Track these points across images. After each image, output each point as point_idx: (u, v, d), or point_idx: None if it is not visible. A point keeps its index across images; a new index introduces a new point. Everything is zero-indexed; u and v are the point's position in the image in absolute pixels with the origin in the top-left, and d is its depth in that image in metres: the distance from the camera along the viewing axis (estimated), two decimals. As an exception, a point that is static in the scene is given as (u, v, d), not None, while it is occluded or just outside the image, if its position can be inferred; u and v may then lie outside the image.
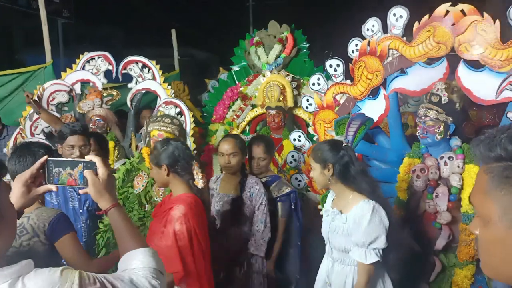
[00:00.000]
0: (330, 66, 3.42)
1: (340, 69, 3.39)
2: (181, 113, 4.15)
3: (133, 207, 3.18)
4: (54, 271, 1.09)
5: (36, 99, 4.17)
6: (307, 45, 4.56)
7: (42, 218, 2.00)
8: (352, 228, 2.27)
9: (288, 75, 4.40)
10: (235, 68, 4.87)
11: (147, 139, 3.38)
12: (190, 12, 13.99)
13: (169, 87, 4.35)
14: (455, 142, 2.74)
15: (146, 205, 3.19)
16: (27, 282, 1.05)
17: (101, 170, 1.39)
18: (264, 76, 4.49)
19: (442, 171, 2.72)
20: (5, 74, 5.07)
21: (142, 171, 3.26)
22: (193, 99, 6.39)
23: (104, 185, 1.38)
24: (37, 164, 1.44)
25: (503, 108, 2.72)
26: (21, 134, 4.33)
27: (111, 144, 4.00)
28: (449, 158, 2.70)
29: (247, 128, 4.80)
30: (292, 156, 4.10)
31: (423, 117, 2.74)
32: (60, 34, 11.08)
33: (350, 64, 3.28)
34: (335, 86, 3.42)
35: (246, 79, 4.69)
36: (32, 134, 4.29)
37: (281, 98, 4.28)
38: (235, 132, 4.63)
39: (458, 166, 2.65)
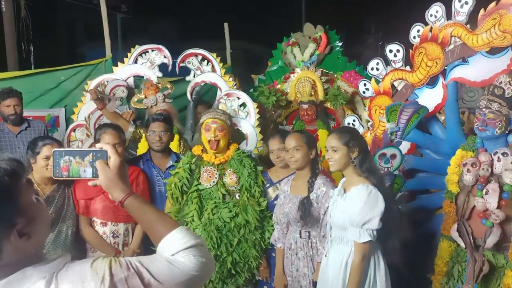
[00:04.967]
0: (390, 51, 3.37)
1: (400, 55, 3.33)
2: (244, 104, 4.18)
3: (215, 202, 2.93)
4: (84, 264, 1.05)
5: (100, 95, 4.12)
6: (340, 43, 4.88)
7: None
8: (349, 207, 2.39)
9: (317, 70, 4.68)
10: (273, 67, 5.19)
11: (196, 136, 3.33)
12: (243, 5, 14.36)
13: (230, 79, 4.37)
14: None
15: (226, 196, 2.95)
16: (60, 279, 1.01)
17: (112, 158, 1.27)
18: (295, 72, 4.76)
19: (494, 167, 2.52)
20: (70, 67, 5.25)
21: (205, 166, 3.02)
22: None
23: (116, 174, 1.25)
24: None
25: None
26: (86, 131, 4.31)
27: (176, 137, 3.86)
28: (503, 154, 2.49)
29: (284, 122, 5.07)
30: None
31: (484, 109, 2.53)
32: (119, 29, 11.75)
33: (410, 50, 3.22)
34: (394, 72, 3.36)
35: (283, 76, 4.99)
36: None
37: (312, 93, 4.54)
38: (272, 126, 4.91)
39: None
